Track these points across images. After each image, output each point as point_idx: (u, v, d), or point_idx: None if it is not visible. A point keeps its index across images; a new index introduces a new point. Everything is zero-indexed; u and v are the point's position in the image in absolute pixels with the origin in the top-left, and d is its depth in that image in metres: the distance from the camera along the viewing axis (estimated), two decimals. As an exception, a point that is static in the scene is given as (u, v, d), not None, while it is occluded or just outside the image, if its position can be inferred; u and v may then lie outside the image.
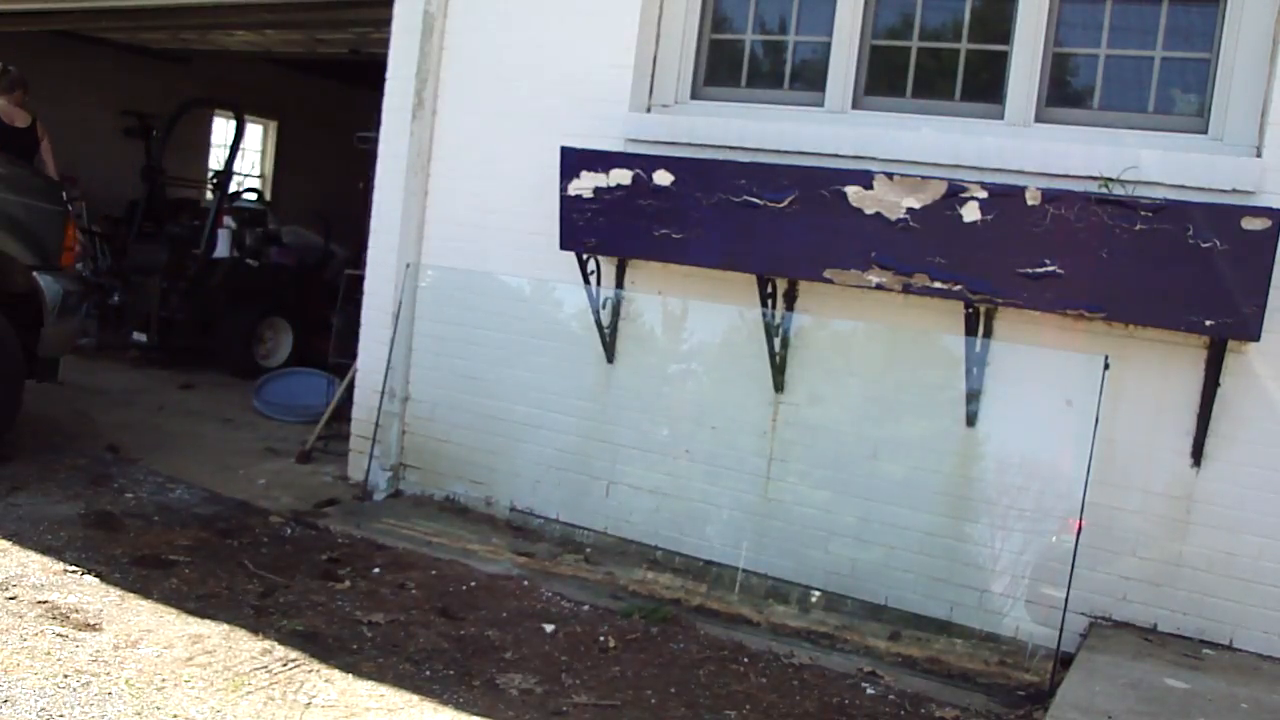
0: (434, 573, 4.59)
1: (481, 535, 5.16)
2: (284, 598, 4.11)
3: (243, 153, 10.06)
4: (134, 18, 8.37)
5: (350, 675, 3.49)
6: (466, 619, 4.10)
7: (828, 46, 4.83)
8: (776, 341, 4.71)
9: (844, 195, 4.28)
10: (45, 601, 3.75)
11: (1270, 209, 3.71)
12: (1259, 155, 3.97)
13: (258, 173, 13.43)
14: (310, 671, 3.48)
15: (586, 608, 4.36)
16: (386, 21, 5.79)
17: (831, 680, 3.89)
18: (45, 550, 4.25)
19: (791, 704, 3.66)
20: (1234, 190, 3.92)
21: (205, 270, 8.40)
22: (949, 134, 4.46)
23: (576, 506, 5.21)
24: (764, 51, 5.11)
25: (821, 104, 4.82)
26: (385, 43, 5.82)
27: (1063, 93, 4.48)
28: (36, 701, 3.04)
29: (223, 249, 8.60)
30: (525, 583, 4.55)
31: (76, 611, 3.70)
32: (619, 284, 5.10)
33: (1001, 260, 4.06)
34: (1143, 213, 3.84)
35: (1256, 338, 3.81)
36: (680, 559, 4.94)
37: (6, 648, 3.35)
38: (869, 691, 3.83)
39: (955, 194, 4.10)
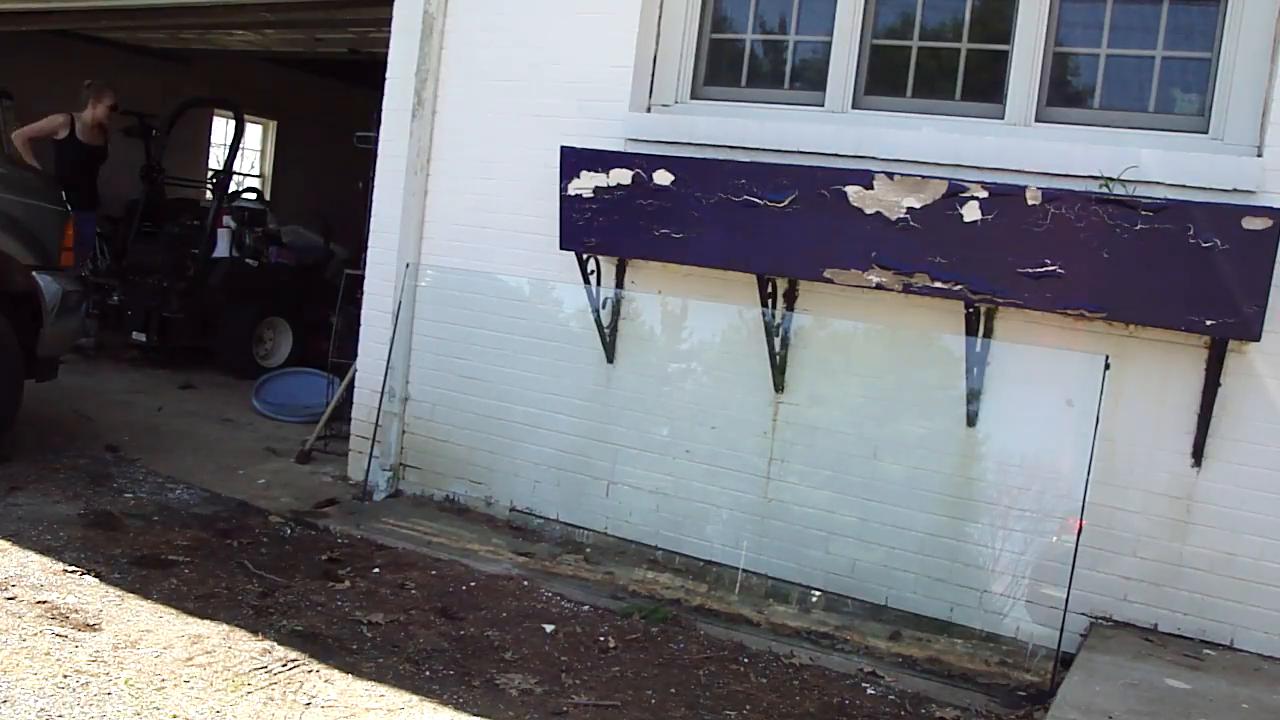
0: (434, 573, 4.59)
1: (481, 535, 5.16)
2: (284, 598, 4.10)
3: (242, 153, 10.06)
4: (134, 18, 8.37)
5: (350, 675, 3.48)
6: (466, 619, 4.10)
7: (828, 46, 4.82)
8: (777, 341, 4.71)
9: (844, 195, 4.27)
10: (45, 601, 3.74)
11: (1271, 209, 3.71)
12: (1260, 155, 3.96)
13: (257, 173, 13.43)
14: (310, 671, 3.47)
15: (586, 608, 4.36)
16: (386, 21, 5.79)
17: (832, 680, 3.89)
18: (45, 550, 4.24)
19: (791, 704, 3.65)
20: (1235, 190, 3.92)
21: (205, 270, 8.39)
22: (949, 133, 4.45)
23: (576, 506, 5.21)
24: (764, 51, 5.11)
25: (822, 103, 4.82)
26: (385, 43, 5.82)
27: (1063, 92, 4.47)
28: (36, 702, 3.04)
29: (222, 249, 8.60)
30: (525, 583, 4.55)
31: (76, 611, 3.70)
32: (619, 284, 5.09)
33: (1002, 260, 4.06)
34: (1143, 212, 3.84)
35: (1257, 338, 3.80)
36: (680, 559, 4.93)
37: (6, 648, 3.35)
38: (869, 692, 3.83)
39: (955, 194, 4.09)
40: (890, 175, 4.22)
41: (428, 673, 3.59)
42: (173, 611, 3.81)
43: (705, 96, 5.11)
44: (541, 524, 5.29)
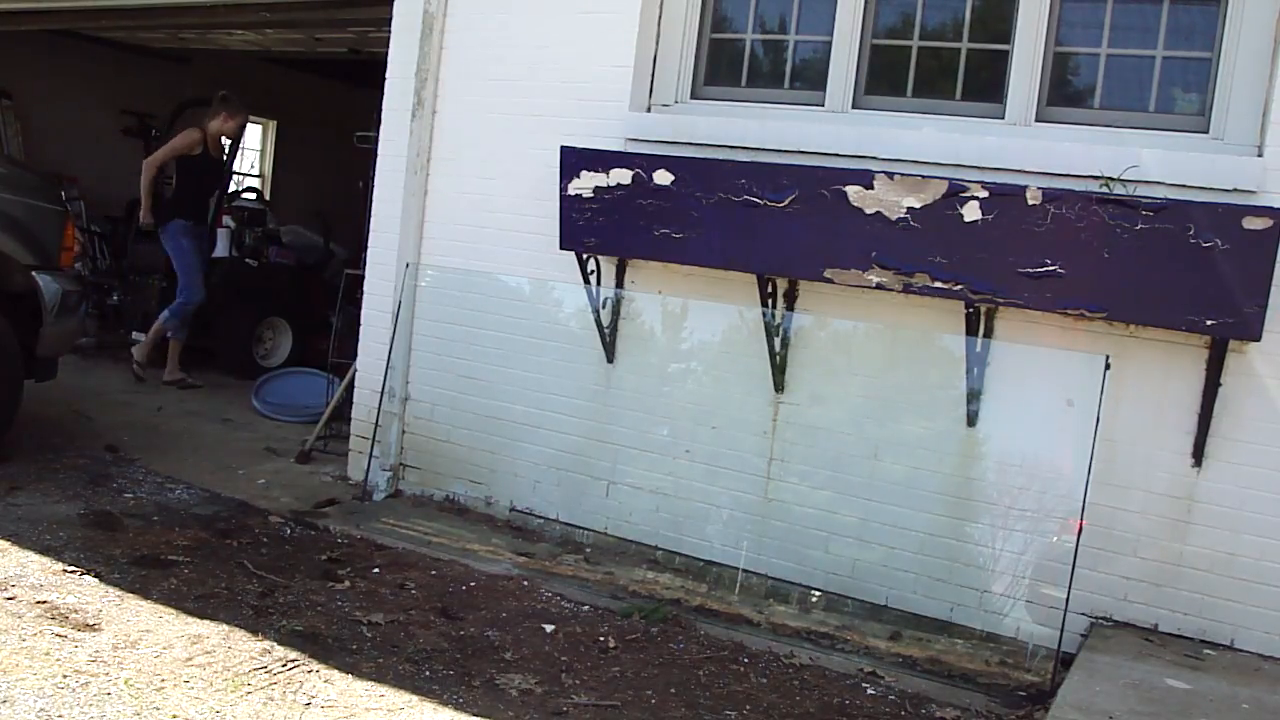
0: (434, 573, 4.59)
1: (481, 535, 5.16)
2: (283, 598, 4.10)
3: (242, 152, 10.05)
4: (134, 17, 8.36)
5: (350, 675, 3.48)
6: (466, 619, 4.10)
7: (828, 46, 4.82)
8: (777, 341, 4.71)
9: (844, 195, 4.27)
10: (44, 602, 3.74)
11: (1271, 208, 3.70)
12: (1260, 155, 3.96)
13: (257, 173, 13.43)
14: (310, 672, 3.47)
15: (586, 608, 4.36)
16: (386, 21, 5.79)
17: (832, 680, 3.89)
18: (44, 550, 4.24)
19: (792, 704, 3.65)
20: (1235, 190, 3.92)
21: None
22: (949, 133, 4.45)
23: (576, 506, 5.21)
24: (764, 51, 5.10)
25: (822, 103, 4.82)
26: (385, 42, 5.82)
27: (1063, 92, 4.47)
28: (35, 702, 3.04)
29: (222, 249, 8.59)
30: (525, 583, 4.55)
31: (75, 612, 3.70)
32: (619, 284, 5.09)
33: (1002, 260, 4.06)
34: (1144, 212, 3.84)
35: (1258, 337, 3.80)
36: (680, 559, 4.93)
37: (5, 648, 3.35)
38: (869, 692, 3.83)
39: (956, 193, 4.09)
40: (890, 175, 4.22)
41: (428, 673, 3.59)
42: (172, 611, 3.81)
43: (705, 96, 5.11)
44: (541, 524, 5.29)
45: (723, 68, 5.14)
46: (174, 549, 4.47)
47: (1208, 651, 3.94)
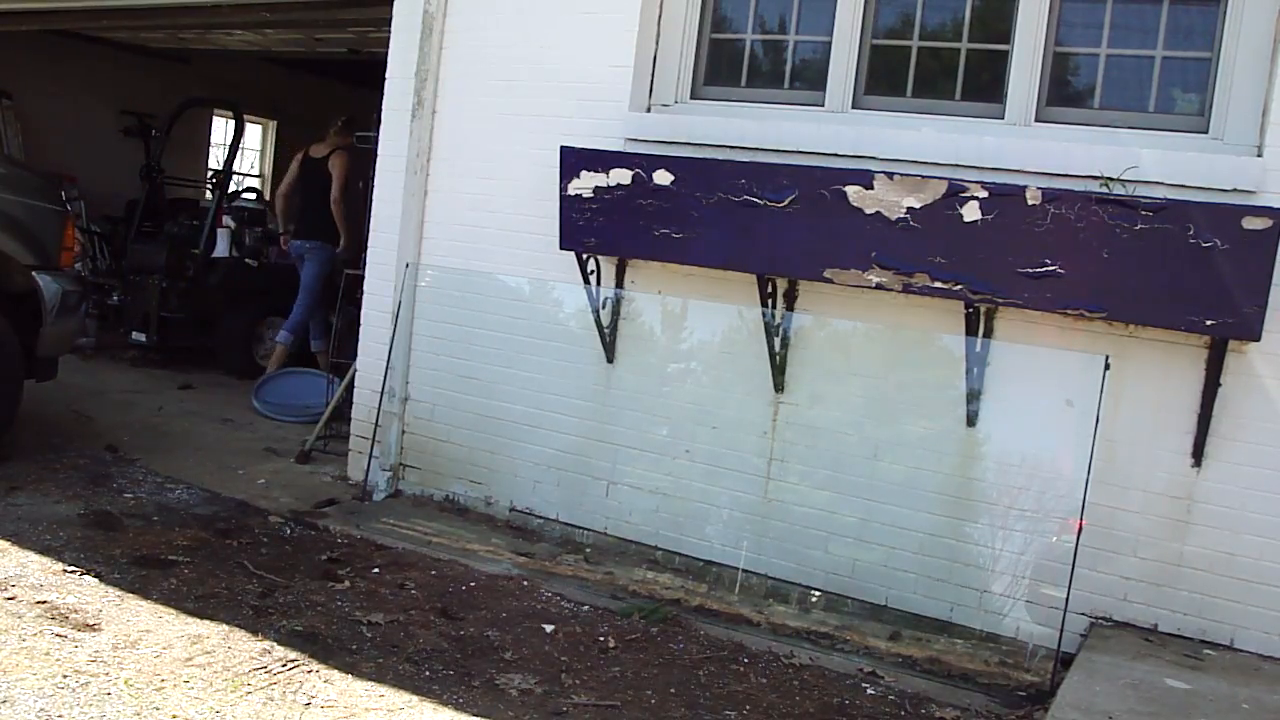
0: (434, 573, 4.59)
1: (481, 535, 5.16)
2: (283, 598, 4.10)
3: (242, 152, 10.06)
4: (134, 17, 8.37)
5: (350, 675, 3.48)
6: (466, 619, 4.10)
7: (828, 46, 4.82)
8: (777, 341, 4.71)
9: (844, 195, 4.27)
10: (44, 602, 3.74)
11: (1271, 208, 3.71)
12: (1260, 155, 3.96)
13: (257, 173, 13.42)
14: (310, 672, 3.47)
15: (586, 608, 4.36)
16: (386, 21, 5.79)
17: (832, 680, 3.89)
18: (44, 550, 4.24)
19: (792, 704, 3.65)
20: (1235, 190, 3.92)
21: (204, 270, 8.39)
22: (949, 133, 4.45)
23: (576, 506, 5.21)
24: (764, 51, 5.10)
25: (822, 103, 4.82)
26: (385, 42, 5.82)
27: (1063, 92, 4.47)
28: (35, 702, 3.04)
29: (222, 249, 8.60)
30: (525, 583, 4.55)
31: (75, 612, 3.70)
32: (619, 284, 5.09)
33: (1002, 260, 4.06)
34: (1143, 212, 3.84)
35: (1257, 337, 3.80)
36: (680, 559, 4.93)
37: (6, 648, 3.35)
38: (869, 692, 3.83)
39: (955, 193, 4.09)
40: (890, 175, 4.22)
41: (428, 673, 3.59)
42: (172, 611, 3.81)
43: (705, 96, 5.11)
44: (541, 524, 5.29)
45: (722, 68, 5.14)
46: (174, 549, 4.47)
47: (1207, 651, 3.94)
